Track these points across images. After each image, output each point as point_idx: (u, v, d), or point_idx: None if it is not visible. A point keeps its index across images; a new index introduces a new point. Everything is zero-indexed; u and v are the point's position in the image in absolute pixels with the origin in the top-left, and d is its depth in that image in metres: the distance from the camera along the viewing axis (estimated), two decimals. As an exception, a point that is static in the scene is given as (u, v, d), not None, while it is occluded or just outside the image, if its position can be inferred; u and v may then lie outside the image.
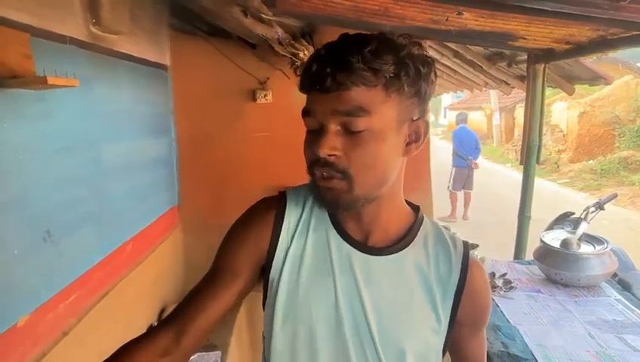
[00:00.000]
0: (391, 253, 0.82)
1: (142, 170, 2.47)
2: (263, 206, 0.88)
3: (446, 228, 0.95)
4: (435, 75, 0.78)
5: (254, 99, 3.00)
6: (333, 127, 0.72)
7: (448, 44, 3.52)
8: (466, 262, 0.84)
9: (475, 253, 2.46)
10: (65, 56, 1.63)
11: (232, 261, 0.85)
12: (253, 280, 0.87)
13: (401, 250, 0.83)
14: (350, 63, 0.69)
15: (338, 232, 0.83)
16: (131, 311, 2.18)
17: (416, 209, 0.89)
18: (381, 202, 0.81)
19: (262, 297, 0.89)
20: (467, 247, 0.87)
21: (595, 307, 2.01)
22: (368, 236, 0.83)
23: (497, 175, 12.63)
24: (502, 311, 1.95)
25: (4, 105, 1.32)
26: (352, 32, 0.76)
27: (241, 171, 3.06)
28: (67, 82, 1.42)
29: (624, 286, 2.29)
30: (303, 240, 0.83)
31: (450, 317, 0.83)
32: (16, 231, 1.35)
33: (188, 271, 2.92)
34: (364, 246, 0.82)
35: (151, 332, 0.83)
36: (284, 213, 0.85)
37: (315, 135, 0.75)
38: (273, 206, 0.86)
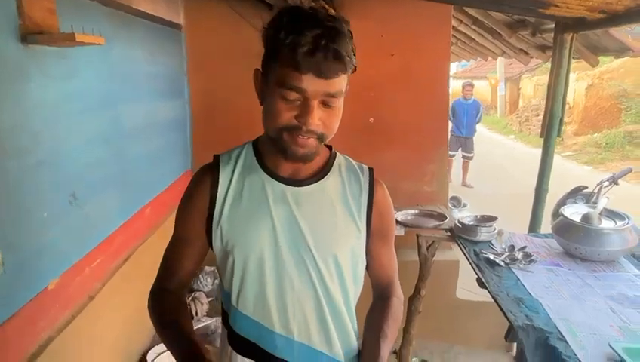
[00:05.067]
0: (315, 182, 1.01)
1: (157, 132, 2.43)
2: (200, 172, 1.03)
3: None
4: None
5: (270, 62, 2.91)
6: (317, 103, 0.87)
7: (468, 10, 3.42)
8: (372, 183, 1.05)
9: (494, 226, 2.45)
10: (88, 13, 1.56)
11: (186, 229, 1.02)
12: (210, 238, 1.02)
13: (322, 178, 1.01)
14: (343, 58, 0.85)
15: (270, 175, 0.99)
16: (151, 275, 2.17)
17: (329, 147, 1.07)
18: None
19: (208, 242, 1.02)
20: (372, 171, 1.07)
21: (615, 282, 2.00)
22: (296, 173, 1.00)
23: (500, 146, 12.56)
24: (523, 284, 1.95)
25: (31, 64, 1.27)
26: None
27: (254, 136, 3.00)
28: (94, 40, 1.36)
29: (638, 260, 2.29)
30: (240, 188, 0.99)
31: (366, 226, 1.03)
32: (44, 193, 1.33)
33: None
34: (293, 181, 0.99)
35: (166, 294, 1.04)
36: (218, 171, 1.00)
37: (292, 105, 0.87)
38: (208, 169, 1.01)
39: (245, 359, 1.02)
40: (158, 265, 2.36)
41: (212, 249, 1.02)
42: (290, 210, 0.98)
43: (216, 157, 1.03)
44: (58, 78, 1.41)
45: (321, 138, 0.90)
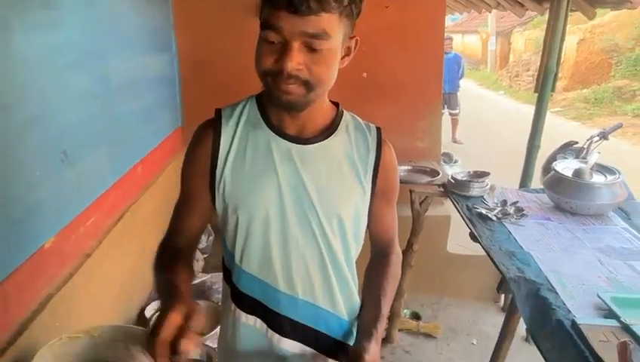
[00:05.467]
0: (321, 141, 0.98)
1: (146, 89, 2.37)
2: (201, 128, 0.99)
3: None
4: None
5: (261, 14, 2.81)
6: (298, 45, 0.82)
7: (464, -41, 3.30)
8: (380, 143, 1.02)
9: (486, 181, 2.47)
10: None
11: (190, 187, 1.00)
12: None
13: (329, 137, 0.99)
14: None
15: (275, 132, 0.96)
16: (144, 233, 2.17)
17: (336, 104, 1.04)
18: (315, 103, 0.93)
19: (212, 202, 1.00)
20: (379, 131, 1.04)
21: (603, 235, 2.05)
22: (302, 130, 0.97)
23: (490, 102, 12.53)
24: (514, 238, 1.98)
25: (13, 14, 1.20)
26: None
27: (246, 92, 2.93)
28: (78, -12, 1.29)
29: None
30: (243, 145, 0.96)
31: (372, 187, 1.02)
32: (35, 151, 1.30)
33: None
34: (299, 139, 0.96)
35: (171, 248, 1.00)
36: (220, 127, 0.96)
37: (273, 47, 0.84)
38: (210, 125, 0.98)
39: (249, 316, 1.03)
40: (152, 224, 2.36)
41: (214, 207, 1.00)
42: (295, 168, 0.96)
43: (218, 112, 0.99)
44: (42, 29, 1.34)
45: (307, 85, 0.85)
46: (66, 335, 1.15)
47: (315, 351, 1.05)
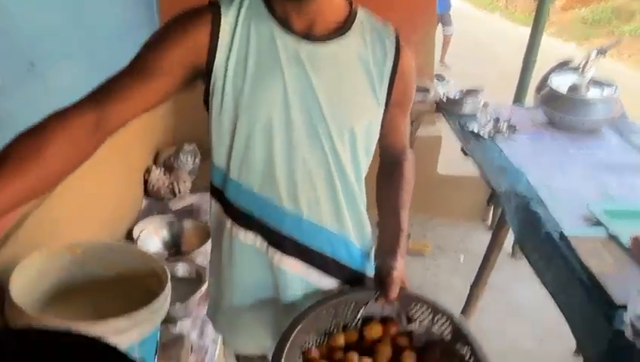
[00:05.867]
0: (333, 39, 0.88)
1: (120, 2, 2.19)
2: (196, 10, 0.86)
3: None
4: None
5: None
6: None
7: None
8: (398, 48, 0.93)
9: (480, 97, 2.40)
10: None
11: (163, 60, 0.83)
12: (183, 82, 0.87)
13: (342, 36, 0.89)
14: None
15: (282, 27, 0.86)
16: (128, 154, 2.12)
17: (349, 1, 0.93)
18: None
19: (203, 101, 0.91)
20: (398, 34, 0.95)
21: (596, 150, 2.04)
22: (311, 28, 0.87)
23: (485, 24, 12.09)
24: (506, 154, 1.96)
25: None
26: None
27: None
28: None
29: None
30: (245, 39, 0.85)
31: (387, 96, 0.94)
32: (-3, 59, 1.19)
33: (178, 117, 2.81)
34: (308, 37, 0.86)
35: (76, 110, 0.80)
36: (219, 17, 0.84)
37: None
38: (207, 9, 0.85)
39: (248, 233, 0.95)
40: (138, 140, 2.28)
41: (207, 112, 0.90)
42: (304, 70, 0.86)
43: (215, 2, 0.86)
44: None
45: None
46: (46, 249, 1.12)
47: (318, 271, 1.00)
